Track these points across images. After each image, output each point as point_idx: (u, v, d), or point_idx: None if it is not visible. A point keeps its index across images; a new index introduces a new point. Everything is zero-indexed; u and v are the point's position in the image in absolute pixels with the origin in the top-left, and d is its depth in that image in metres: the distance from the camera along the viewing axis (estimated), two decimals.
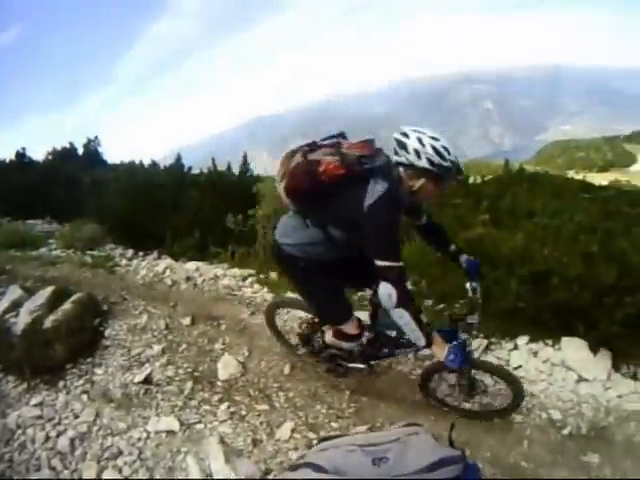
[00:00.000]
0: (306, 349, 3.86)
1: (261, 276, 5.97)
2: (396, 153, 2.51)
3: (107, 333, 4.71)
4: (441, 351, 2.64)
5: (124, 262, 6.83)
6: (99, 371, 4.17)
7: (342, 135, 2.75)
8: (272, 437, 3.38)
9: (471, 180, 9.37)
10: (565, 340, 4.21)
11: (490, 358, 4.14)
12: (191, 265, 6.35)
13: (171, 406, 3.70)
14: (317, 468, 0.94)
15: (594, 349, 4.09)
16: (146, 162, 11.60)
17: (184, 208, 7.49)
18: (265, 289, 5.57)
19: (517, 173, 10.70)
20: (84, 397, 3.83)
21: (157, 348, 4.45)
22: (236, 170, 9.31)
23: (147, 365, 4.22)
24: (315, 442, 1.21)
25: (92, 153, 17.29)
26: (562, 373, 4.02)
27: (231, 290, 5.61)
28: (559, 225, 5.42)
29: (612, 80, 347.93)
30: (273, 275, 5.91)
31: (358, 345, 3.32)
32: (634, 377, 3.86)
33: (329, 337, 3.33)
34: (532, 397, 3.70)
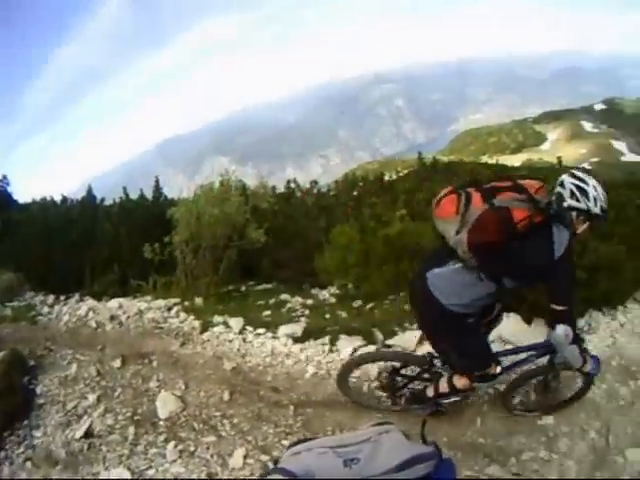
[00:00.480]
0: (392, 399, 3.45)
1: (186, 303, 5.77)
2: (576, 199, 2.44)
3: (39, 390, 4.31)
4: (591, 365, 2.74)
5: (46, 310, 6.32)
6: (38, 433, 3.79)
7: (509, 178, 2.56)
8: (226, 467, 3.23)
9: (387, 177, 9.62)
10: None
11: (428, 347, 4.17)
12: (114, 303, 6.00)
13: (118, 456, 3.43)
14: (287, 473, 0.93)
15: (527, 320, 4.37)
16: (59, 197, 11.01)
17: (99, 243, 7.14)
18: (192, 316, 5.36)
19: (431, 164, 11.15)
20: (28, 464, 3.47)
21: (92, 397, 4.11)
22: (150, 195, 8.98)
23: (85, 417, 3.88)
24: (286, 448, 1.16)
25: (1, 194, 16.10)
26: (501, 347, 4.25)
27: (157, 323, 5.35)
28: None
29: (519, 67, 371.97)
30: (198, 301, 5.76)
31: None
32: None
33: (445, 389, 3.04)
34: None
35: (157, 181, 8.98)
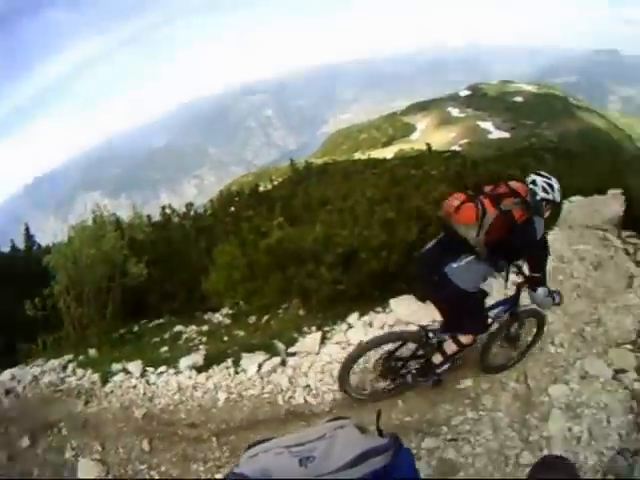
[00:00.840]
0: (395, 382, 3.75)
1: (80, 358, 5.34)
2: (546, 192, 3.20)
3: None
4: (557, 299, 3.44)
5: None
6: None
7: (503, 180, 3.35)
8: None
9: (262, 188, 9.68)
10: (393, 301, 4.76)
11: (331, 345, 4.43)
12: (5, 375, 5.33)
13: None
14: (241, 476, 0.91)
15: (422, 298, 4.69)
16: None
17: None
18: (89, 370, 4.96)
19: (304, 169, 11.42)
20: None
21: None
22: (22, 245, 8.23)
23: None
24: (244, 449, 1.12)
25: None
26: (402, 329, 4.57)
27: (55, 386, 4.88)
28: (352, 205, 5.95)
29: (385, 65, 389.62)
30: (92, 352, 5.39)
31: None
32: None
33: (453, 349, 3.50)
34: None
35: (27, 229, 8.27)
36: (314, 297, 4.62)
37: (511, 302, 3.72)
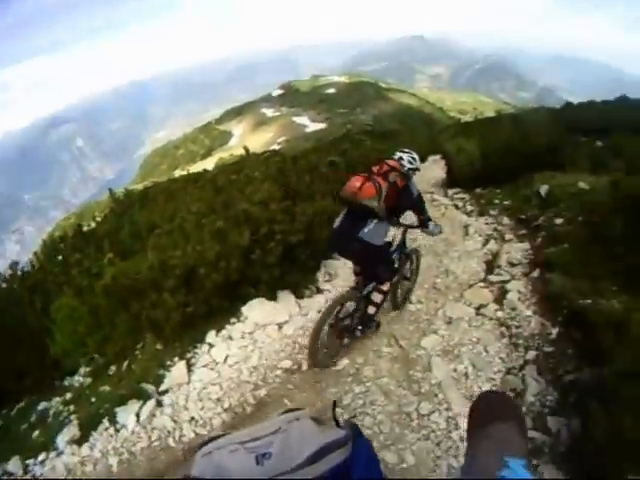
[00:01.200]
0: (349, 336, 4.37)
1: None
2: (411, 163, 4.17)
3: None
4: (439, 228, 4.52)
5: None
6: None
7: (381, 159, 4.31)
8: None
9: (85, 227, 8.83)
10: (245, 308, 4.78)
11: (199, 370, 4.18)
12: None
13: None
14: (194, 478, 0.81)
15: (272, 297, 4.93)
16: None
17: None
18: None
19: (126, 198, 10.69)
20: None
21: None
22: None
23: None
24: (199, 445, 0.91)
25: None
26: (262, 334, 4.55)
27: None
28: (180, 223, 5.68)
29: (195, 76, 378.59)
30: None
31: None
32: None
33: (380, 298, 4.31)
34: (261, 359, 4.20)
35: None
36: (166, 327, 4.27)
37: (401, 246, 4.73)
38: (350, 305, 4.25)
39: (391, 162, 4.17)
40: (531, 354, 3.99)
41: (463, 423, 3.36)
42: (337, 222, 4.10)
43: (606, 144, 10.31)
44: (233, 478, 0.80)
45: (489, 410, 1.71)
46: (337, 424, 0.99)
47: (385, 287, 4.29)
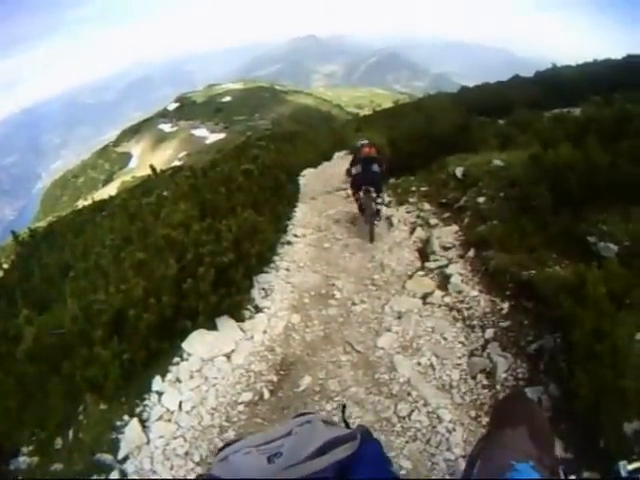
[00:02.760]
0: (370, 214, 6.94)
1: None
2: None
3: None
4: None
5: None
6: None
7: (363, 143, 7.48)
8: None
9: None
10: (185, 345, 4.38)
11: (156, 424, 3.72)
12: None
13: None
14: (211, 477, 0.88)
15: (212, 326, 4.55)
16: None
17: None
18: None
19: (31, 238, 9.75)
20: None
21: None
22: None
23: None
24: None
25: None
26: (211, 369, 4.18)
27: None
28: (96, 260, 5.19)
29: (85, 98, 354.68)
30: None
31: None
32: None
33: (380, 200, 7.09)
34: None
35: None
36: (105, 384, 3.73)
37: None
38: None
39: (371, 144, 7.32)
40: (489, 332, 4.03)
41: (447, 415, 3.33)
42: (357, 170, 7.03)
43: (509, 121, 10.86)
44: (246, 478, 0.83)
45: (500, 416, 1.75)
46: (347, 426, 1.07)
47: (381, 195, 7.14)
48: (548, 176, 4.86)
